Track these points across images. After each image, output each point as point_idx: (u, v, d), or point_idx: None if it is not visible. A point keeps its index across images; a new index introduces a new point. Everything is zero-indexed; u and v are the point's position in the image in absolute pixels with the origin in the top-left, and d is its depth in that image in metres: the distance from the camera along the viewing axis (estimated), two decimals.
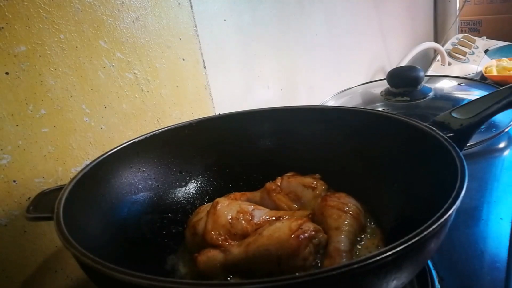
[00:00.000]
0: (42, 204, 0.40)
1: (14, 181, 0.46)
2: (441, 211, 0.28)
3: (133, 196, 0.46)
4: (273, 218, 0.42)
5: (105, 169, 0.44)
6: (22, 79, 0.46)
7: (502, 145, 0.74)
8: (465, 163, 0.34)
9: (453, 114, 0.43)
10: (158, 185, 0.49)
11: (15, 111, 0.45)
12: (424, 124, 0.42)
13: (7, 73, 0.44)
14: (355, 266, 0.24)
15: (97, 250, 0.30)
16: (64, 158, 0.50)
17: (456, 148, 0.37)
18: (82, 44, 0.51)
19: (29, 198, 0.47)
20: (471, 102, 0.44)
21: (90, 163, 0.43)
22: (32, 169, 0.47)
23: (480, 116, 0.42)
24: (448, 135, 0.40)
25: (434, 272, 0.45)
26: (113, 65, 0.54)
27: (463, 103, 0.45)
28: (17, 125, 0.46)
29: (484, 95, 0.45)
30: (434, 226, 0.27)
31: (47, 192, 0.42)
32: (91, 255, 0.28)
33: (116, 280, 0.26)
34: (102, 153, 0.45)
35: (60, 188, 0.39)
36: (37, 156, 0.47)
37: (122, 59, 0.55)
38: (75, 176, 0.40)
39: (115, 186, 0.45)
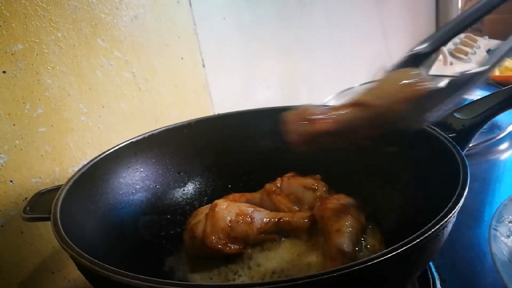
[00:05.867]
0: (39, 204, 0.39)
1: (11, 181, 0.46)
2: (443, 213, 0.28)
3: (131, 197, 0.46)
4: (274, 220, 0.42)
5: (103, 169, 0.44)
6: (19, 78, 0.45)
7: (504, 146, 0.73)
8: (467, 164, 0.34)
9: (455, 114, 0.43)
10: (156, 186, 0.49)
11: (12, 110, 0.45)
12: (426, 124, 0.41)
13: (4, 72, 0.44)
14: (356, 268, 0.24)
15: (95, 251, 0.30)
16: (61, 158, 0.50)
17: (458, 148, 0.36)
18: (80, 43, 0.50)
19: (26, 198, 0.46)
20: (473, 102, 0.44)
21: (88, 163, 0.43)
22: (29, 169, 0.47)
23: (483, 116, 0.42)
24: (450, 135, 0.40)
25: (436, 274, 0.45)
26: (111, 64, 0.54)
27: (465, 103, 0.44)
28: (14, 125, 0.45)
29: (487, 95, 0.44)
30: (436, 228, 0.27)
31: (44, 192, 0.42)
32: (88, 256, 0.28)
33: (114, 281, 0.26)
34: (100, 153, 0.44)
35: (57, 188, 0.39)
36: (34, 156, 0.47)
37: (120, 58, 0.55)
38: (72, 176, 0.40)
39: (113, 186, 0.44)
